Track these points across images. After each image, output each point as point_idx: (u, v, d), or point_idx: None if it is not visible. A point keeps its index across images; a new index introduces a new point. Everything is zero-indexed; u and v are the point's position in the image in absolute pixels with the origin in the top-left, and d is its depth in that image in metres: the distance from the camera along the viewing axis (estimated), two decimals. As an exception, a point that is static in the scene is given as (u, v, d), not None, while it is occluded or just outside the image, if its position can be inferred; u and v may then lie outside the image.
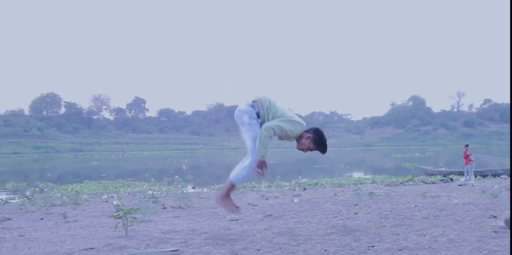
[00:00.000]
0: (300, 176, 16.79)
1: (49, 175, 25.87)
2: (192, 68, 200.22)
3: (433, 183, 14.28)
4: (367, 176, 19.42)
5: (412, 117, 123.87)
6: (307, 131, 4.66)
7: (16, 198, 11.96)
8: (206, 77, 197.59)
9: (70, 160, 51.27)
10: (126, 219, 5.25)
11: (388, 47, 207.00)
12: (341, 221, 6.02)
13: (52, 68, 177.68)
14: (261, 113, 4.52)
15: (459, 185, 12.70)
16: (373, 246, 4.38)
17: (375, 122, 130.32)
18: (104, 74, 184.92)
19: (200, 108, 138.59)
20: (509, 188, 9.82)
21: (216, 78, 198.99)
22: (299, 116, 4.82)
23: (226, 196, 4.59)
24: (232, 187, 4.59)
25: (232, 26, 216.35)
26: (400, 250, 4.21)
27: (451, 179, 15.05)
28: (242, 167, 4.54)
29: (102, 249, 4.42)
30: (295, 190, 12.16)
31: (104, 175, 23.81)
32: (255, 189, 12.94)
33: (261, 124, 4.51)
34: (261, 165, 4.43)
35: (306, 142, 4.64)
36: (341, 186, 13.75)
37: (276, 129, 4.40)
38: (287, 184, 14.60)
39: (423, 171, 19.80)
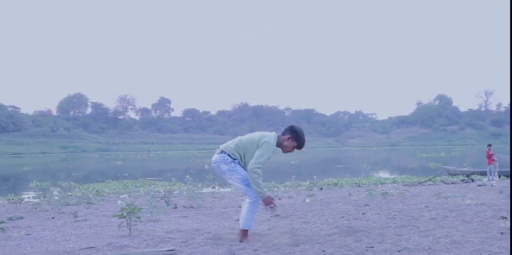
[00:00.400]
0: (315, 176, 16.64)
1: (73, 174, 26.34)
2: (217, 68, 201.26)
3: (453, 183, 14.04)
4: (388, 176, 19.24)
5: (438, 117, 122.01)
6: (283, 134, 4.76)
7: (31, 196, 12.23)
8: (231, 77, 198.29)
9: (95, 160, 52.10)
10: (130, 218, 5.29)
11: (414, 45, 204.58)
12: (346, 222, 5.96)
13: (79, 69, 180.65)
14: (233, 154, 4.64)
15: (479, 185, 12.44)
16: (372, 247, 4.32)
17: (400, 122, 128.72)
18: (130, 74, 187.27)
19: (225, 108, 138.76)
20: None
21: (241, 77, 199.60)
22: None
23: (246, 238, 4.70)
24: (246, 232, 4.71)
25: (252, 26, 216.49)
26: (399, 251, 4.14)
27: (472, 180, 14.77)
28: (245, 210, 4.62)
29: (102, 249, 4.46)
30: (311, 190, 12.01)
31: (126, 174, 24.09)
32: (275, 188, 12.65)
33: (239, 163, 4.65)
34: (268, 202, 4.56)
35: (288, 143, 4.73)
36: (359, 186, 13.65)
37: (264, 160, 4.50)
38: (306, 184, 14.36)
39: (445, 171, 19.48)
